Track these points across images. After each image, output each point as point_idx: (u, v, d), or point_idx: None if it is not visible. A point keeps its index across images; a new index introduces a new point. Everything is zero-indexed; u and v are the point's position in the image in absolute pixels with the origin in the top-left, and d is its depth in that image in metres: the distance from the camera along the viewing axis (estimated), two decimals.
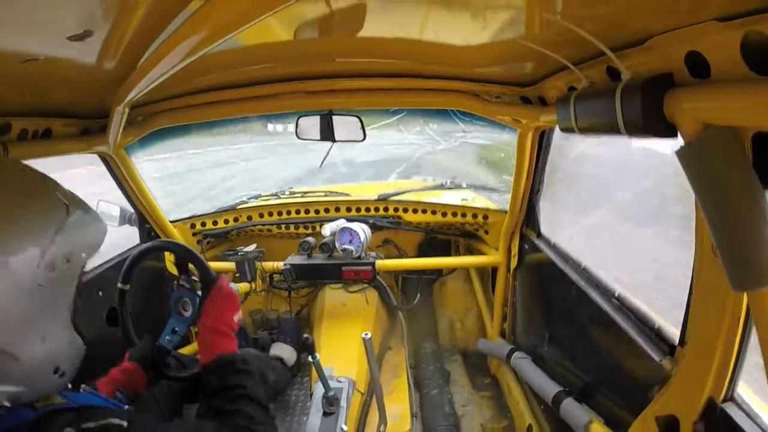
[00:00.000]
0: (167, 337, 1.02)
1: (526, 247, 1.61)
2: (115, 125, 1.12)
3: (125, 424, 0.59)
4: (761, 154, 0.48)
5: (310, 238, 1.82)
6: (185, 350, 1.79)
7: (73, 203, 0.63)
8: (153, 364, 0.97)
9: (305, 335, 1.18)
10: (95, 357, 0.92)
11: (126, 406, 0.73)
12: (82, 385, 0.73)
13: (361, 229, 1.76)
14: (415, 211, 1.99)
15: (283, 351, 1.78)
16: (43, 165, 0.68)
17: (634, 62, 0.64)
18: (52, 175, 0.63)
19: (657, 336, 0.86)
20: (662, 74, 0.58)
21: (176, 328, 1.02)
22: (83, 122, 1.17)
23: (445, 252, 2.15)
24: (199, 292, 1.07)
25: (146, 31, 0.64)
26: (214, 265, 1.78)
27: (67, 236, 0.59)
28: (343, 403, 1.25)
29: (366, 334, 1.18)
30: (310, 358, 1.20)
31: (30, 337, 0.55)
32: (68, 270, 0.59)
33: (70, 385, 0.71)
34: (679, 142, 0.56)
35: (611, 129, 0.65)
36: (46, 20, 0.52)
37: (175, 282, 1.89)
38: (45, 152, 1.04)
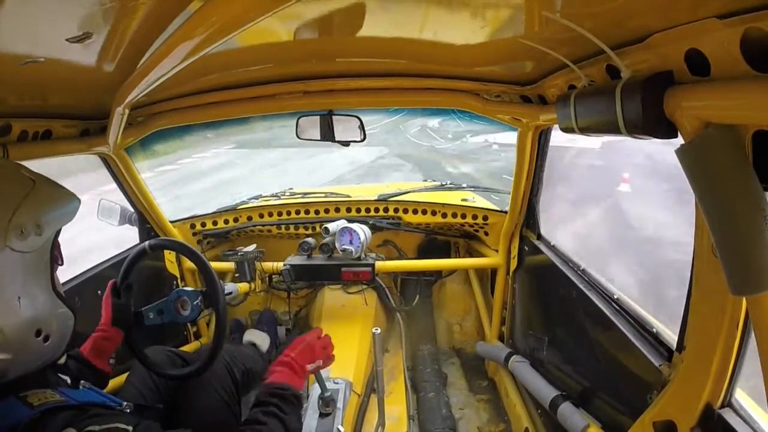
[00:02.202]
0: (150, 314, 1.04)
1: (526, 248, 1.61)
2: (115, 126, 1.13)
3: (131, 429, 0.58)
4: (761, 153, 0.48)
5: (309, 239, 1.82)
6: (183, 349, 1.79)
7: (41, 180, 0.65)
8: (128, 328, 1.02)
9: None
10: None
11: (125, 403, 0.73)
12: (81, 381, 0.72)
13: (361, 230, 1.76)
14: (415, 211, 1.99)
15: (256, 337, 1.82)
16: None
17: (634, 60, 0.64)
18: None
19: (655, 340, 0.85)
20: (662, 72, 0.57)
21: (163, 313, 1.04)
22: (83, 123, 1.17)
23: (445, 254, 2.14)
24: (201, 295, 1.07)
25: (146, 33, 0.64)
26: (214, 265, 1.78)
27: (35, 204, 0.61)
28: (339, 404, 1.25)
29: (376, 330, 1.19)
30: None
31: (4, 300, 0.56)
32: (40, 236, 0.61)
33: (69, 380, 0.70)
34: (679, 141, 0.56)
35: (611, 128, 0.65)
36: (46, 22, 0.52)
37: (175, 281, 1.90)
38: (45, 153, 1.05)
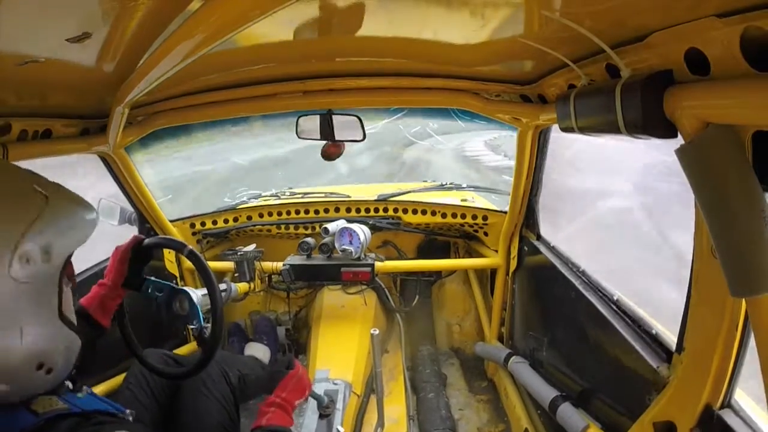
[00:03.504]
0: (150, 287, 1.01)
1: (526, 249, 1.61)
2: (114, 125, 1.13)
3: None
4: (761, 153, 0.47)
5: (309, 239, 1.82)
6: (182, 350, 1.79)
7: (56, 195, 0.60)
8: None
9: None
10: (94, 357, 0.92)
11: (128, 411, 0.72)
12: (84, 387, 0.72)
13: (361, 230, 1.76)
14: (414, 211, 1.99)
15: (257, 350, 1.79)
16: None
17: (634, 59, 0.63)
18: None
19: (655, 341, 0.85)
20: (662, 71, 0.57)
21: (160, 293, 1.02)
22: (83, 122, 1.17)
23: (445, 254, 2.14)
24: (199, 293, 1.06)
25: (145, 32, 0.64)
26: (213, 264, 1.78)
27: (45, 227, 0.56)
28: (338, 405, 1.25)
29: (374, 331, 1.18)
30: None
31: (6, 332, 0.53)
32: (48, 263, 0.56)
33: (71, 384, 0.70)
34: (679, 141, 0.56)
35: (611, 128, 0.65)
36: (45, 22, 0.52)
37: (174, 281, 1.90)
38: (45, 153, 1.05)
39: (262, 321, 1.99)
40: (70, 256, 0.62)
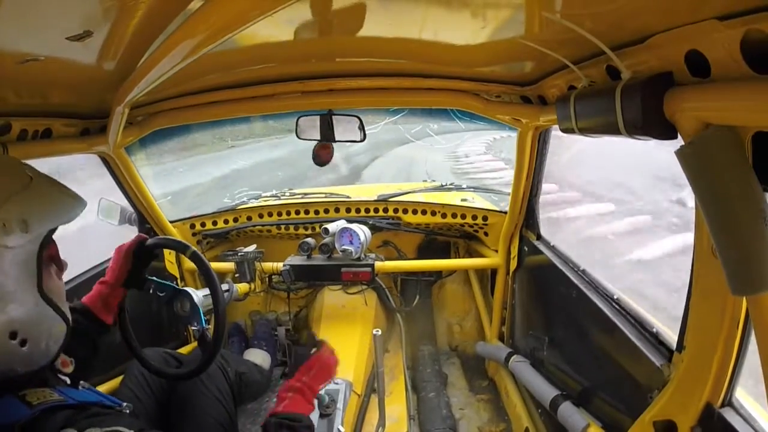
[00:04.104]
0: (152, 286, 1.03)
1: (526, 249, 1.61)
2: (115, 125, 1.12)
3: None
4: (761, 154, 0.48)
5: (309, 239, 1.82)
6: (182, 351, 1.79)
7: (40, 178, 0.63)
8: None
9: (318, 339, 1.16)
10: (97, 356, 0.92)
11: (124, 404, 0.72)
12: (81, 382, 0.72)
13: (361, 230, 1.76)
14: (414, 212, 1.99)
15: (257, 356, 1.77)
16: None
17: (634, 61, 0.64)
18: None
19: (655, 340, 0.86)
20: (662, 73, 0.57)
21: (162, 294, 1.02)
22: (83, 122, 1.17)
23: (445, 254, 2.15)
24: (200, 294, 1.06)
25: (146, 32, 0.64)
26: (214, 265, 1.78)
27: (25, 200, 0.60)
28: (339, 404, 1.25)
29: (377, 331, 1.19)
30: None
31: None
32: (26, 233, 0.59)
33: (68, 380, 0.70)
34: (679, 142, 0.56)
35: (611, 129, 0.65)
36: (46, 20, 0.52)
37: (175, 282, 1.90)
38: (45, 152, 1.05)
39: (261, 326, 1.97)
40: (50, 234, 0.64)
